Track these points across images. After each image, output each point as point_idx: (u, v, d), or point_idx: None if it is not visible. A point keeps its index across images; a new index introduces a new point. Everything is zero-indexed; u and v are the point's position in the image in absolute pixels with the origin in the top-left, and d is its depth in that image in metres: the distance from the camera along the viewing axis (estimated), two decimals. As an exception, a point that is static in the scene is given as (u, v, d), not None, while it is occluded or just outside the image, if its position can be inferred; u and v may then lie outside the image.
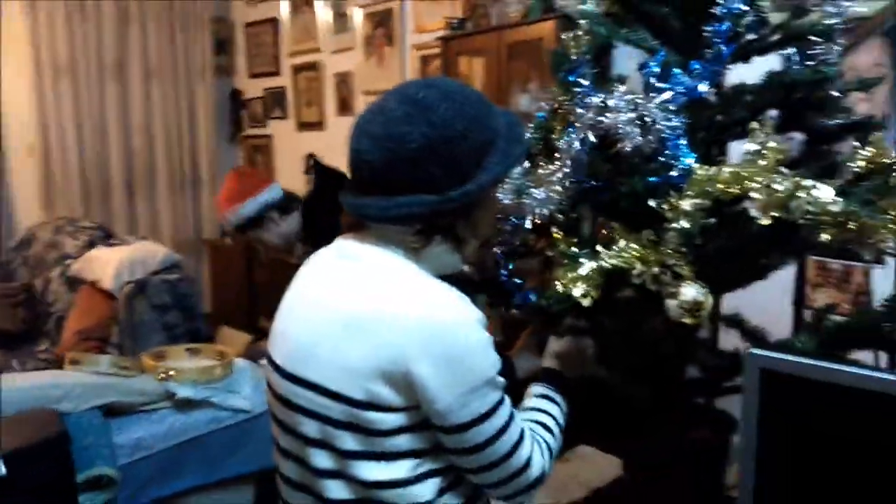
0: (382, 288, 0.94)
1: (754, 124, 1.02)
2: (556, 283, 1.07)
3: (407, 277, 0.95)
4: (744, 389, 0.91)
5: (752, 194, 0.96)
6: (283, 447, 1.03)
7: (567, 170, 1.14)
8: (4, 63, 3.99)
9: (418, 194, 0.92)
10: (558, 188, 1.15)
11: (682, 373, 1.27)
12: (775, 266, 1.22)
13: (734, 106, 1.14)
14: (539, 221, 1.17)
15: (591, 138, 1.11)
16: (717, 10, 1.09)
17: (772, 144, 0.99)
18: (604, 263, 1.04)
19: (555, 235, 1.15)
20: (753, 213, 0.97)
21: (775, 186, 0.94)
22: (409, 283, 0.95)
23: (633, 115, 1.06)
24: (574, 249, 1.10)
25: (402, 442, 0.93)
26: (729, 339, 1.35)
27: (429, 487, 0.95)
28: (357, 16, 4.07)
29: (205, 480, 2.21)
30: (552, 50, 1.24)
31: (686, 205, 1.00)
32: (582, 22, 1.20)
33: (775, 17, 1.22)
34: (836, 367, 0.84)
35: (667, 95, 1.08)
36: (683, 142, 1.06)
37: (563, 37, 1.22)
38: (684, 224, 0.99)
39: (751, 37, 1.17)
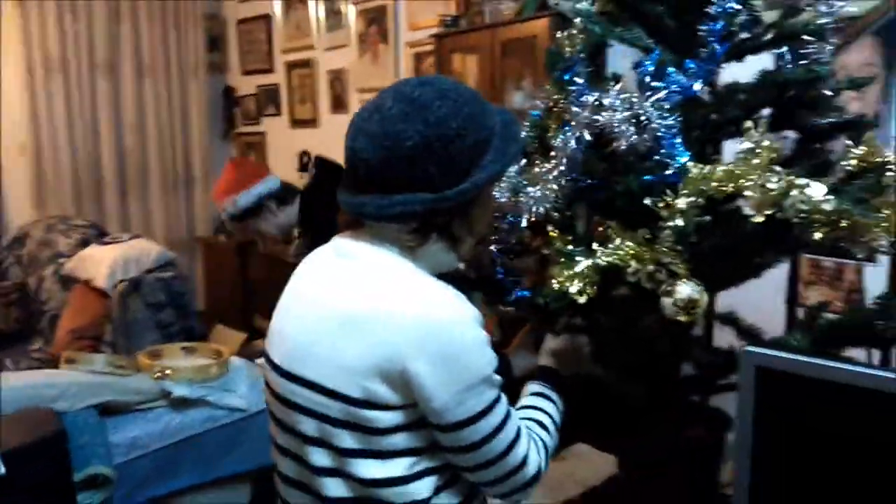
0: (379, 286, 0.94)
1: (748, 123, 1.02)
2: (553, 280, 1.07)
3: (403, 276, 0.96)
4: (739, 387, 0.92)
5: (746, 192, 0.97)
6: (282, 445, 1.03)
7: (563, 168, 1.14)
8: (-4, 61, 3.98)
9: (415, 193, 0.92)
10: (554, 186, 1.15)
11: (677, 371, 1.28)
12: (769, 264, 1.22)
13: (728, 105, 1.14)
14: (535, 219, 1.18)
15: (587, 137, 1.11)
16: (711, 9, 1.10)
17: (765, 143, 0.99)
18: (599, 261, 1.05)
19: (551, 233, 1.15)
20: (747, 211, 0.98)
21: (769, 185, 0.95)
22: (405, 282, 0.95)
23: (628, 113, 1.07)
24: (570, 247, 1.10)
25: (400, 440, 0.93)
26: (723, 337, 1.36)
27: (426, 485, 0.95)
28: (350, 13, 4.06)
29: (201, 479, 2.21)
30: (547, 48, 1.25)
31: (681, 203, 1.00)
32: (577, 20, 1.20)
33: (768, 16, 1.22)
34: (831, 364, 0.85)
35: (661, 94, 1.08)
36: (678, 140, 1.06)
37: (557, 35, 1.22)
38: (679, 222, 1.00)
39: (744, 36, 1.17)
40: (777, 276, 1.36)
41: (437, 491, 0.97)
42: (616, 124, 1.07)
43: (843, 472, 0.86)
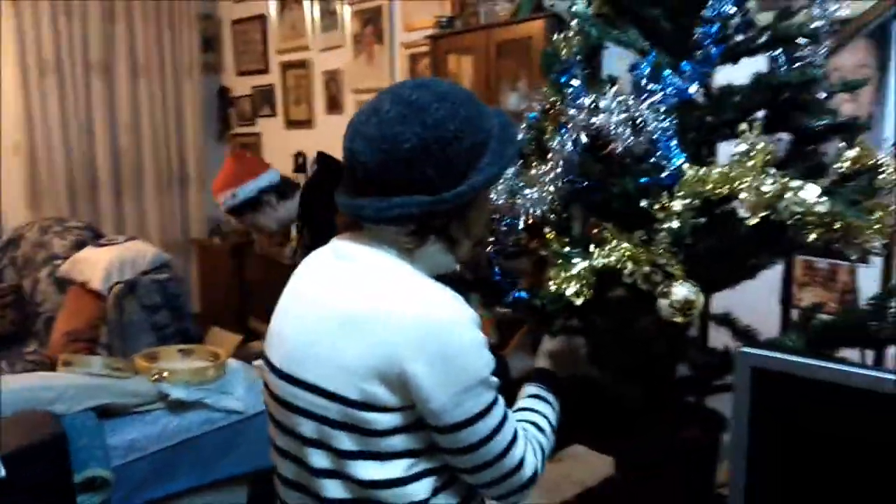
0: (378, 287, 0.95)
1: (743, 125, 1.03)
2: (550, 282, 1.08)
3: (402, 277, 0.96)
4: (735, 388, 0.92)
5: (741, 194, 0.98)
6: (281, 447, 1.03)
7: (559, 170, 1.15)
8: (-11, 61, 3.97)
9: (413, 195, 0.92)
10: (551, 188, 1.16)
11: (672, 372, 1.29)
12: (764, 265, 1.23)
13: (723, 107, 1.15)
14: (532, 221, 1.18)
15: (583, 139, 1.12)
16: (706, 12, 1.11)
17: (760, 145, 1.00)
18: (596, 263, 1.05)
19: (547, 235, 1.16)
20: (742, 213, 0.98)
21: (763, 187, 0.96)
22: (404, 283, 0.95)
23: (624, 116, 1.07)
24: (566, 249, 1.11)
25: (398, 442, 0.94)
26: (718, 338, 1.37)
27: (424, 486, 0.96)
28: (346, 14, 4.06)
29: (198, 482, 2.21)
30: (543, 50, 1.25)
31: (677, 205, 1.01)
32: (573, 23, 1.20)
33: (762, 18, 1.23)
34: (826, 365, 0.85)
35: (657, 97, 1.09)
36: (674, 143, 1.07)
37: (554, 37, 1.22)
38: (675, 224, 1.00)
39: (739, 38, 1.18)
40: (771, 277, 1.37)
41: (436, 492, 0.97)
42: (612, 127, 1.08)
43: (838, 472, 0.87)
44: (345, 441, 0.93)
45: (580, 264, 1.06)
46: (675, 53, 1.15)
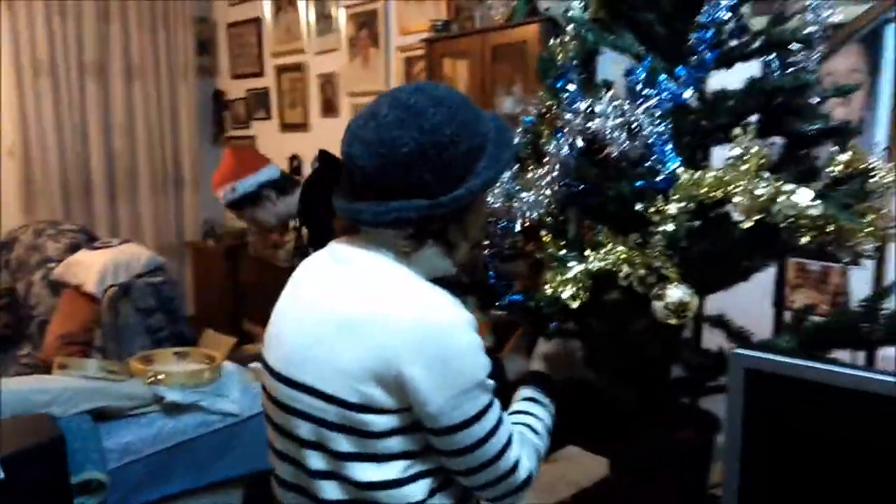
0: (376, 291, 0.95)
1: (737, 130, 1.04)
2: (545, 285, 1.08)
3: (399, 280, 0.97)
4: (728, 389, 0.93)
5: (735, 198, 0.99)
6: (279, 449, 1.04)
7: (555, 174, 1.16)
8: (-17, 63, 3.95)
9: (410, 199, 0.93)
10: (547, 192, 1.17)
11: (667, 374, 1.29)
12: (757, 268, 1.24)
13: (717, 111, 1.16)
14: (528, 224, 1.19)
15: (579, 143, 1.13)
16: (701, 17, 1.12)
17: (753, 149, 1.01)
18: (591, 266, 1.06)
19: (543, 238, 1.16)
20: (736, 216, 0.99)
21: (757, 191, 0.97)
22: (401, 286, 0.96)
23: (619, 120, 1.08)
24: (562, 252, 1.12)
25: (395, 443, 0.94)
26: (711, 339, 1.38)
27: (420, 488, 0.96)
28: (341, 17, 4.07)
29: (194, 484, 2.21)
30: (539, 55, 1.26)
31: (672, 208, 1.02)
32: (569, 27, 1.21)
33: (756, 23, 1.24)
34: (819, 366, 0.86)
35: (653, 101, 1.10)
36: (669, 147, 1.08)
37: (550, 42, 1.23)
38: (670, 227, 1.01)
39: (733, 43, 1.19)
40: (764, 279, 1.38)
41: (432, 493, 0.98)
42: (608, 131, 1.09)
43: (831, 472, 0.87)
44: (342, 443, 0.94)
45: (576, 267, 1.07)
46: (670, 58, 1.16)
